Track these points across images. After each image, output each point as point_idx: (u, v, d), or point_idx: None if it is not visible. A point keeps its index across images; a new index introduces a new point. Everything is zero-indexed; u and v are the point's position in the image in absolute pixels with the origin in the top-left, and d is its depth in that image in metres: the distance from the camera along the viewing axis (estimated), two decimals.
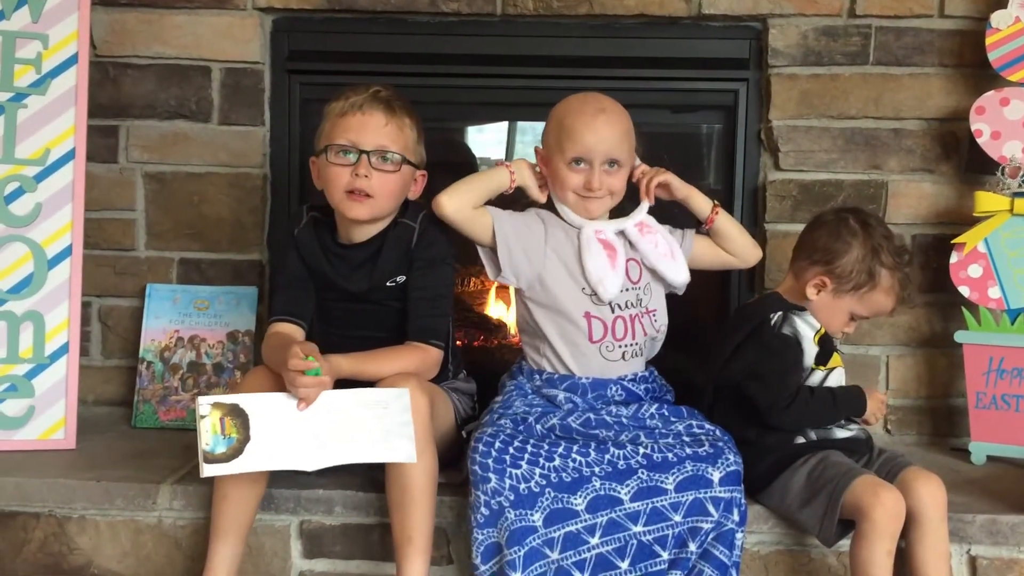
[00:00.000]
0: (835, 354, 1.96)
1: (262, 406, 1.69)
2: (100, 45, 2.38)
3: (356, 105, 1.90)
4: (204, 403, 1.66)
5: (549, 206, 1.98)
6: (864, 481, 1.73)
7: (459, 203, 1.86)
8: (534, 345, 1.96)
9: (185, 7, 2.38)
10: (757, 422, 1.88)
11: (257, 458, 1.66)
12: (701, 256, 2.01)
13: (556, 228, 1.94)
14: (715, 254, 2.02)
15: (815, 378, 1.92)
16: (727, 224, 2.00)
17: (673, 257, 1.96)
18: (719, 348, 1.98)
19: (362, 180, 1.86)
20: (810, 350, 1.91)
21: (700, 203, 1.98)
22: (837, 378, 1.95)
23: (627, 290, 1.93)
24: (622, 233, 1.94)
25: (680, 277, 1.97)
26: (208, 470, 1.64)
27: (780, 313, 1.92)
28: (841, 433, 1.90)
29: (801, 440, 1.88)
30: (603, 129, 1.87)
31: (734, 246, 2.01)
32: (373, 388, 1.76)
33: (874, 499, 1.69)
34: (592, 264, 1.89)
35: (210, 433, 1.64)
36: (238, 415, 1.67)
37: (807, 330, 1.92)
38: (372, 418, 1.70)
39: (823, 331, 1.93)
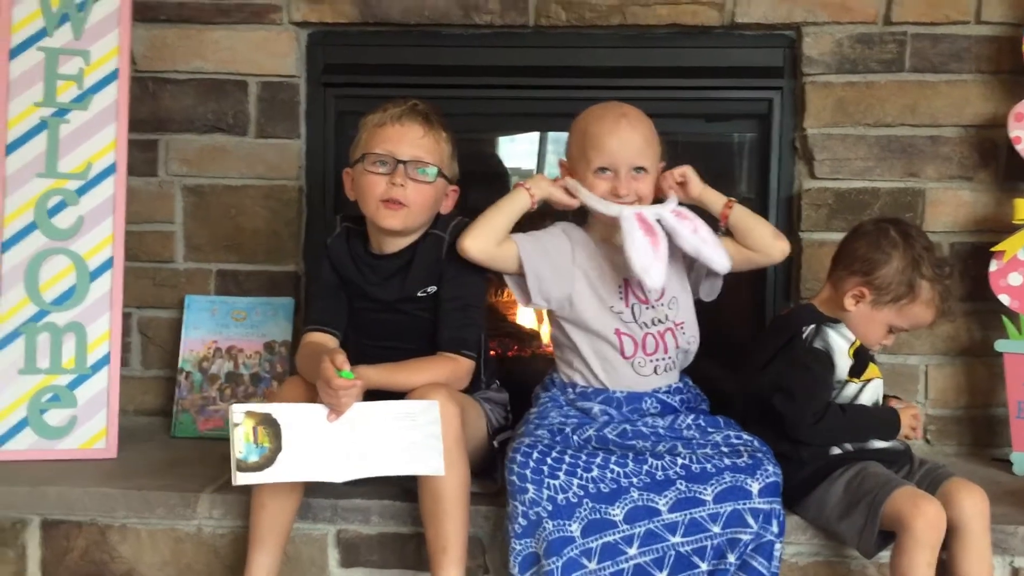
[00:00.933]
0: (872, 365, 1.94)
1: (294, 416, 1.70)
2: (140, 60, 2.42)
3: (394, 117, 1.92)
4: (238, 411, 1.68)
5: (578, 215, 1.98)
6: (904, 492, 1.71)
7: (483, 243, 1.85)
8: (566, 360, 1.95)
9: (223, 22, 2.41)
10: (780, 430, 1.86)
11: (288, 468, 1.67)
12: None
13: (581, 245, 1.93)
14: (738, 252, 1.92)
15: (850, 390, 1.89)
16: (744, 218, 1.92)
17: (713, 242, 1.88)
18: (751, 359, 1.97)
19: (397, 189, 1.88)
20: (843, 363, 1.89)
21: (714, 199, 1.94)
22: (874, 389, 1.92)
23: (651, 307, 1.91)
24: (659, 222, 1.87)
25: (722, 260, 1.87)
26: (241, 478, 1.66)
27: (813, 326, 1.90)
28: (879, 444, 1.88)
29: (838, 451, 1.86)
30: (626, 134, 1.86)
31: (753, 240, 1.91)
32: (402, 400, 1.76)
33: (915, 510, 1.67)
34: (636, 252, 1.79)
35: (243, 441, 1.66)
36: (271, 424, 1.68)
37: (841, 343, 1.89)
38: (401, 430, 1.71)
39: (858, 343, 1.91)
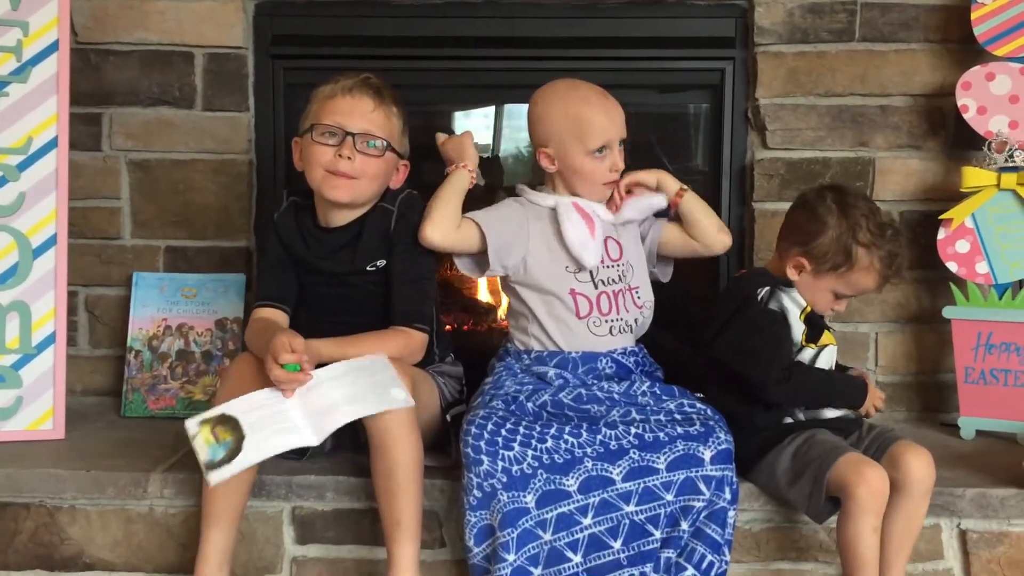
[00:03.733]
0: (827, 332, 1.95)
1: (247, 405, 1.69)
2: (81, 31, 2.36)
3: (345, 89, 1.89)
4: (191, 424, 1.67)
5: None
6: (848, 459, 1.72)
7: (445, 229, 1.88)
8: (521, 326, 1.96)
9: None
10: (747, 399, 1.87)
11: (256, 450, 1.65)
12: (671, 240, 2.01)
13: (532, 210, 1.96)
14: (682, 239, 2.01)
15: (805, 355, 1.90)
16: (694, 208, 1.98)
17: (641, 192, 1.99)
18: (709, 325, 1.97)
19: (345, 162, 1.86)
20: (797, 327, 1.90)
21: (669, 184, 1.99)
22: (828, 356, 1.93)
23: (608, 266, 1.94)
24: (596, 213, 1.95)
25: (658, 200, 1.97)
26: (214, 477, 1.63)
27: (767, 288, 1.90)
28: (830, 413, 1.90)
29: (790, 420, 1.88)
30: (613, 111, 1.93)
31: (699, 231, 1.98)
32: (351, 360, 1.75)
33: (857, 477, 1.69)
34: (572, 232, 1.90)
35: (205, 447, 1.65)
36: (226, 421, 1.67)
37: (793, 307, 1.90)
38: (358, 379, 1.70)
39: (809, 309, 1.93)
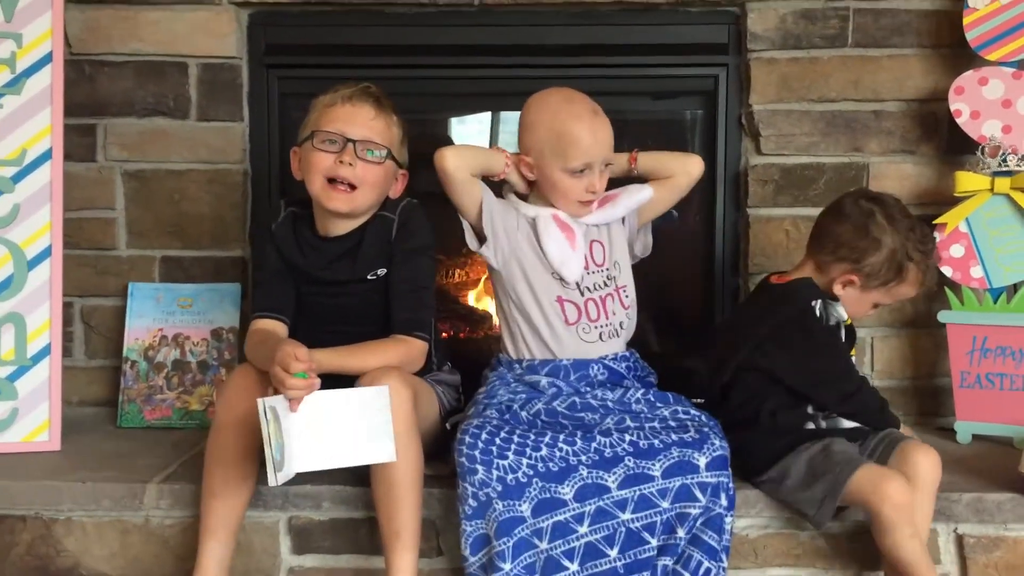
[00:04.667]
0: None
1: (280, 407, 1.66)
2: (75, 43, 2.36)
3: (346, 97, 1.90)
4: (266, 411, 1.61)
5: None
6: (865, 474, 1.72)
7: (461, 162, 1.86)
8: (512, 333, 1.97)
9: (160, 3, 2.36)
10: (774, 404, 1.87)
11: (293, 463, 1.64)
12: (655, 198, 2.01)
13: (522, 215, 1.96)
14: (661, 188, 2.00)
15: None
16: (650, 160, 2.01)
17: (625, 189, 1.99)
18: (745, 328, 1.94)
19: (346, 168, 1.86)
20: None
21: (619, 161, 1.99)
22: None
23: (594, 272, 1.94)
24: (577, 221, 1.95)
25: (645, 192, 1.98)
26: (281, 478, 1.61)
27: (820, 302, 1.90)
28: (846, 423, 1.90)
29: (811, 425, 1.88)
30: (600, 131, 1.90)
31: (668, 169, 2.00)
32: (354, 388, 1.72)
33: (878, 497, 1.69)
34: (552, 247, 1.91)
35: (273, 443, 1.60)
36: (277, 419, 1.63)
37: (840, 320, 1.92)
38: (354, 419, 1.67)
39: (849, 321, 1.94)
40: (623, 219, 2.01)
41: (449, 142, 2.68)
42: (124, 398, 2.34)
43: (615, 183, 2.01)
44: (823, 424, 1.89)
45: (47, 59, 2.17)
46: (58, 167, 2.16)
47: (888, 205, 1.91)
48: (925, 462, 1.77)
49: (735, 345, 1.93)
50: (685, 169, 2.01)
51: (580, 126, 1.88)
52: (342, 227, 1.94)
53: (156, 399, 2.34)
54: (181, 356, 2.37)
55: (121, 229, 2.42)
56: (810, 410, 1.89)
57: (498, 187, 1.99)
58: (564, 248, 1.91)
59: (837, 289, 1.91)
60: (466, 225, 1.93)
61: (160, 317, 2.39)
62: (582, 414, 1.82)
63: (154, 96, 2.39)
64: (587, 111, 1.90)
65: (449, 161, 1.85)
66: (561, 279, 1.92)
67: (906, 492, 1.70)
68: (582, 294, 1.93)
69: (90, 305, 2.43)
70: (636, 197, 1.99)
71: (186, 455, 2.07)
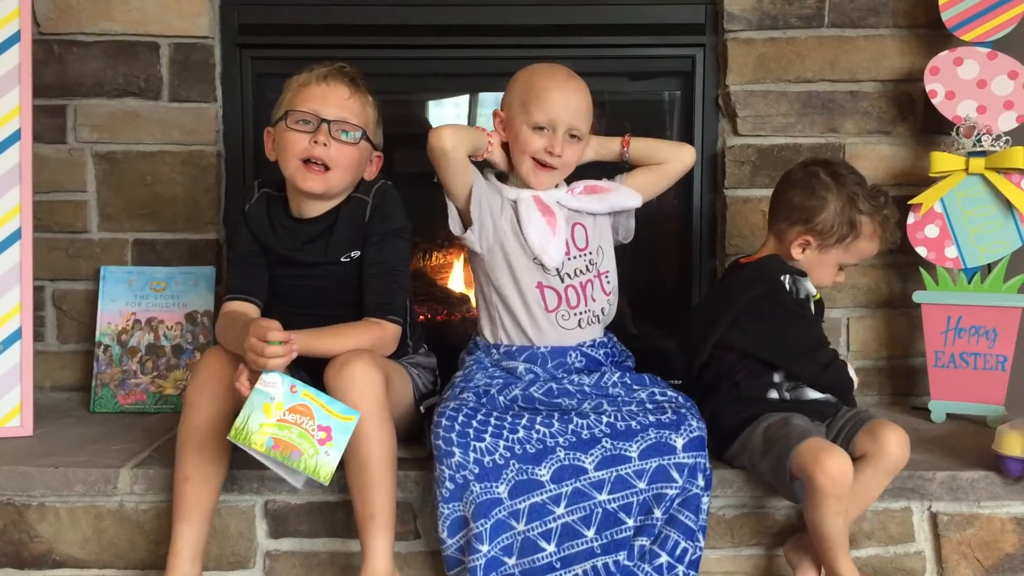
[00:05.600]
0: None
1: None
2: (43, 22, 2.33)
3: (320, 76, 1.88)
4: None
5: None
6: (808, 446, 1.72)
7: (457, 142, 1.84)
8: (491, 318, 1.96)
9: None
10: (741, 375, 1.89)
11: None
12: (644, 184, 2.00)
13: (505, 198, 1.94)
14: (652, 174, 2.00)
15: None
16: (642, 147, 1.99)
17: (617, 190, 1.98)
18: (720, 308, 1.94)
19: (320, 148, 1.84)
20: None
21: (611, 145, 1.99)
22: None
23: (576, 257, 1.93)
24: (559, 203, 1.94)
25: (633, 199, 1.97)
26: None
27: (788, 277, 1.91)
28: (813, 395, 1.91)
29: (774, 395, 1.89)
30: (573, 95, 1.89)
31: (660, 156, 1.99)
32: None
33: (815, 465, 1.69)
34: (532, 232, 1.90)
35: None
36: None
37: (809, 293, 1.94)
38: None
39: (818, 296, 1.96)
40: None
41: (425, 123, 2.68)
42: (97, 383, 2.32)
43: (607, 169, 2.00)
44: (787, 395, 1.90)
45: (15, 39, 2.13)
46: (27, 149, 2.13)
47: (833, 164, 1.95)
48: (894, 440, 1.77)
49: (712, 325, 1.93)
50: (679, 157, 2.00)
51: (550, 83, 1.88)
52: (316, 208, 1.92)
53: (130, 384, 2.32)
54: (155, 340, 2.34)
55: (93, 211, 2.39)
56: (776, 378, 1.90)
57: (481, 172, 1.98)
58: (544, 233, 1.90)
59: (796, 253, 1.92)
60: (452, 209, 1.92)
61: (133, 301, 2.36)
62: (559, 400, 1.82)
63: (125, 77, 2.35)
64: (563, 74, 1.90)
65: (448, 140, 1.82)
66: (542, 265, 1.91)
67: (844, 469, 1.69)
68: (562, 280, 1.92)
69: (62, 289, 2.40)
70: (623, 201, 1.97)
71: (160, 440, 2.06)
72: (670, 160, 2.00)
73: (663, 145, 2.03)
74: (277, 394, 1.64)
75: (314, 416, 1.64)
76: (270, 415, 1.63)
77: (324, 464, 1.62)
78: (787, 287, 1.91)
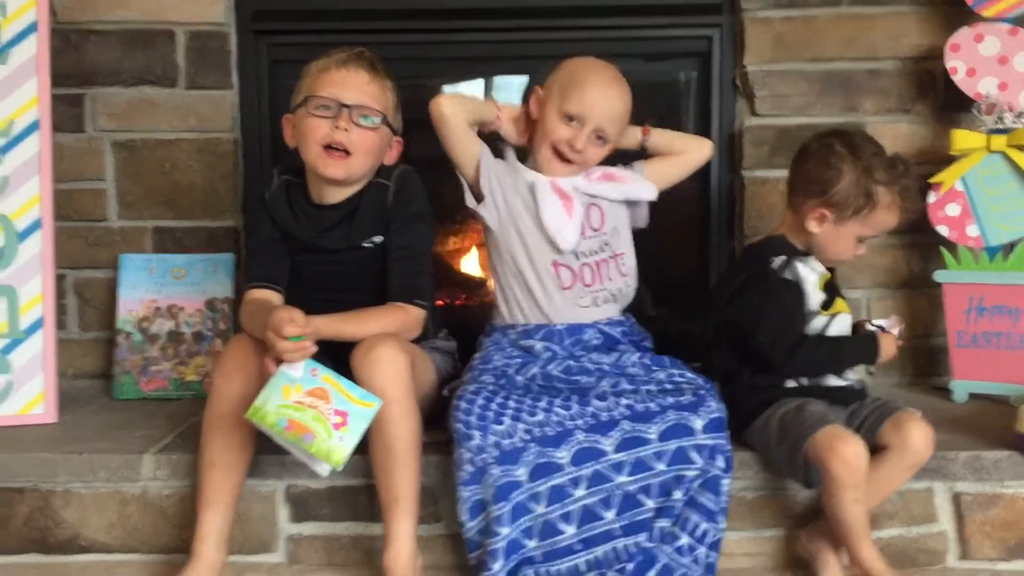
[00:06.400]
0: (839, 300, 1.94)
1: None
2: (60, 11, 2.34)
3: (340, 62, 1.88)
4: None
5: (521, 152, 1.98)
6: (825, 433, 1.71)
7: (457, 109, 1.87)
8: (507, 298, 1.96)
9: None
10: (754, 363, 1.87)
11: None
12: (661, 173, 2.01)
13: (521, 178, 1.94)
14: (669, 165, 2.02)
15: (818, 323, 1.89)
16: (661, 139, 2.02)
17: (634, 180, 1.98)
18: (722, 287, 1.96)
19: (341, 133, 1.84)
20: (815, 296, 1.89)
21: (631, 136, 1.99)
22: (841, 324, 1.91)
23: (591, 237, 1.93)
24: (575, 188, 1.94)
25: (648, 191, 1.98)
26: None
27: (783, 258, 1.89)
28: (834, 381, 1.89)
29: (792, 383, 1.87)
30: (611, 96, 1.89)
31: (679, 147, 2.02)
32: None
33: (830, 453, 1.68)
34: (548, 214, 1.90)
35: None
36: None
37: (810, 275, 1.89)
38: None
39: (828, 276, 1.92)
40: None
41: None
42: (119, 370, 2.34)
43: (625, 156, 2.00)
44: (805, 381, 1.88)
45: (32, 28, 2.14)
46: (46, 138, 2.14)
47: (849, 135, 1.91)
48: (918, 434, 1.75)
49: (715, 304, 1.93)
50: (698, 148, 2.04)
51: (594, 77, 1.89)
52: (337, 194, 1.92)
53: (151, 370, 2.34)
54: (176, 327, 2.36)
55: (112, 200, 2.40)
56: None
57: (498, 150, 1.97)
58: (561, 216, 1.90)
59: (812, 227, 1.88)
60: (464, 183, 1.93)
61: (153, 288, 2.38)
62: (578, 377, 1.82)
63: (142, 65, 2.36)
64: (608, 73, 1.91)
65: (446, 107, 1.85)
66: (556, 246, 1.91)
67: (860, 456, 1.68)
68: (577, 258, 1.92)
69: (83, 277, 2.42)
70: (638, 192, 1.98)
71: (182, 426, 2.07)
72: (688, 151, 2.02)
73: (682, 137, 2.06)
74: (298, 376, 1.65)
75: (331, 400, 1.64)
76: (288, 396, 1.63)
77: (337, 448, 1.62)
78: (775, 266, 1.88)
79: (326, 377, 1.66)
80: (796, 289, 1.88)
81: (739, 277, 1.92)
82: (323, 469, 1.68)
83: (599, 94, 1.87)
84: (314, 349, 1.68)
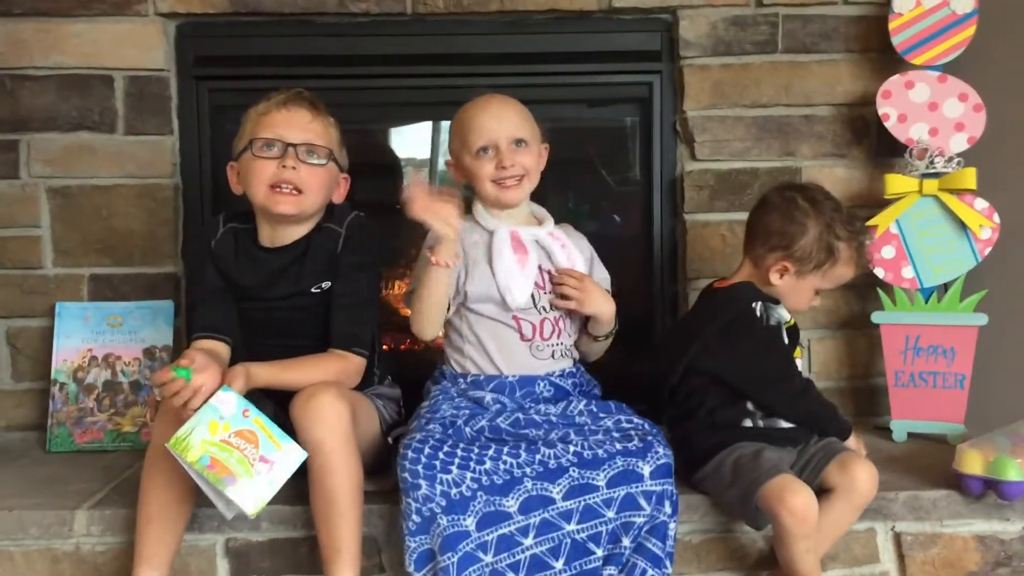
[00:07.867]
0: (799, 347, 1.99)
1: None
2: None
3: (280, 103, 1.88)
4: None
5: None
6: (776, 482, 1.73)
7: (435, 326, 1.87)
8: (459, 348, 1.94)
9: (83, 15, 2.30)
10: (713, 401, 1.89)
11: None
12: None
13: (476, 235, 1.92)
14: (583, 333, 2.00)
15: None
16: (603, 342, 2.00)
17: (589, 272, 1.97)
18: (692, 332, 1.94)
19: (289, 172, 1.83)
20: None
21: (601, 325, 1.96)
22: (800, 367, 1.99)
23: (551, 292, 1.92)
24: (537, 242, 1.93)
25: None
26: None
27: (760, 304, 1.91)
28: (785, 423, 1.91)
29: (748, 424, 1.89)
30: (498, 109, 1.91)
31: (592, 330, 1.97)
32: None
33: (780, 505, 1.70)
34: (500, 269, 1.87)
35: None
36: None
37: (782, 321, 1.93)
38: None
39: (792, 322, 1.95)
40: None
41: (389, 152, 2.67)
42: (53, 421, 2.27)
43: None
44: (760, 423, 1.90)
45: None
46: None
47: (809, 190, 1.94)
48: (863, 475, 1.78)
49: (683, 348, 1.93)
50: (586, 351, 2.00)
51: (480, 111, 1.90)
52: (289, 235, 1.90)
53: (87, 422, 2.27)
54: (112, 376, 2.30)
55: (47, 247, 2.35)
56: (749, 407, 1.90)
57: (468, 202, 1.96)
58: (512, 271, 1.87)
59: (774, 279, 1.91)
60: None
61: (89, 337, 2.32)
62: (526, 430, 1.80)
63: (78, 110, 2.33)
64: (494, 101, 1.92)
65: (428, 332, 1.87)
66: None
67: (809, 507, 1.71)
68: (539, 312, 1.91)
69: (16, 326, 2.36)
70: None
71: (117, 479, 2.02)
72: (584, 347, 2.00)
73: (599, 344, 2.00)
74: (227, 414, 1.62)
75: (259, 445, 1.62)
76: (215, 433, 1.60)
77: (255, 497, 1.60)
78: (758, 313, 1.90)
79: (257, 420, 1.63)
80: (781, 334, 1.92)
81: (715, 322, 1.92)
82: (233, 512, 1.64)
83: (491, 117, 1.89)
84: (206, 386, 1.63)
